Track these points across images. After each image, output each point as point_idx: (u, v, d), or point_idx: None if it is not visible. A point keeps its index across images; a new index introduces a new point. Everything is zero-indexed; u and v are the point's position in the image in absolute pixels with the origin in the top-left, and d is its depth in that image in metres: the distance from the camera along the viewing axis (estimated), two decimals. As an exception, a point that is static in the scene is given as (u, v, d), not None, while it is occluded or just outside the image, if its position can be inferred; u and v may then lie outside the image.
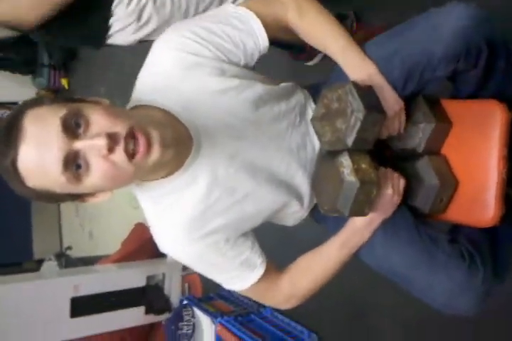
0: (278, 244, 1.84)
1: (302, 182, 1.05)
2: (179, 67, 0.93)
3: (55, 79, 4.73)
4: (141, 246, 2.87)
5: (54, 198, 0.86)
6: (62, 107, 0.80)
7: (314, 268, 1.08)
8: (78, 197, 0.88)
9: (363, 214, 0.95)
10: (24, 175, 0.80)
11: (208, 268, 1.04)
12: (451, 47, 0.93)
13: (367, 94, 0.93)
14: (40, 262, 3.55)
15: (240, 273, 1.02)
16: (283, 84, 1.08)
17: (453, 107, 1.07)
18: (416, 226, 1.03)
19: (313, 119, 1.00)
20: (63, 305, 2.49)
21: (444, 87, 1.11)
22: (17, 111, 0.81)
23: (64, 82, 4.71)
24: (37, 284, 2.52)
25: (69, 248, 3.65)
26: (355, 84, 0.93)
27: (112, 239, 3.40)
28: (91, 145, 0.78)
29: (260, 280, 1.04)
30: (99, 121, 0.80)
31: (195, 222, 0.95)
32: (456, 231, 1.12)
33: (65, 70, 4.70)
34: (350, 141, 0.92)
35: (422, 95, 1.05)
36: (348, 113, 0.91)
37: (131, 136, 0.80)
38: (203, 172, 0.93)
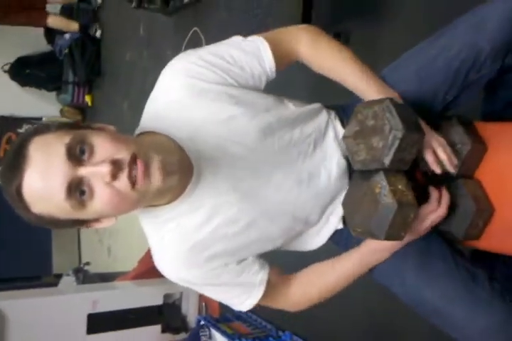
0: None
1: (311, 211, 1.02)
2: (187, 94, 0.93)
3: (79, 96, 4.82)
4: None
5: (59, 224, 0.86)
6: (67, 134, 0.81)
7: (326, 281, 1.06)
8: (83, 223, 0.88)
9: (399, 238, 0.91)
10: (29, 201, 0.81)
11: (209, 290, 1.03)
12: (499, 41, 0.91)
13: (405, 111, 0.90)
14: (59, 277, 3.55)
15: (241, 293, 1.01)
16: (307, 107, 1.06)
17: (487, 129, 1.04)
18: (453, 257, 0.99)
19: (345, 137, 0.97)
20: (80, 321, 2.49)
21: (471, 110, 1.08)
22: (23, 138, 0.82)
23: (88, 99, 4.79)
24: (55, 299, 2.53)
25: (87, 263, 3.65)
26: (393, 101, 0.90)
27: (130, 256, 3.39)
28: (95, 172, 0.79)
29: (264, 294, 1.01)
30: (103, 147, 0.81)
31: (195, 248, 0.94)
32: (491, 266, 1.07)
33: (89, 87, 4.78)
34: (387, 160, 0.88)
35: (456, 116, 1.02)
36: (385, 131, 0.88)
37: (134, 162, 0.80)
38: (205, 199, 0.93)
